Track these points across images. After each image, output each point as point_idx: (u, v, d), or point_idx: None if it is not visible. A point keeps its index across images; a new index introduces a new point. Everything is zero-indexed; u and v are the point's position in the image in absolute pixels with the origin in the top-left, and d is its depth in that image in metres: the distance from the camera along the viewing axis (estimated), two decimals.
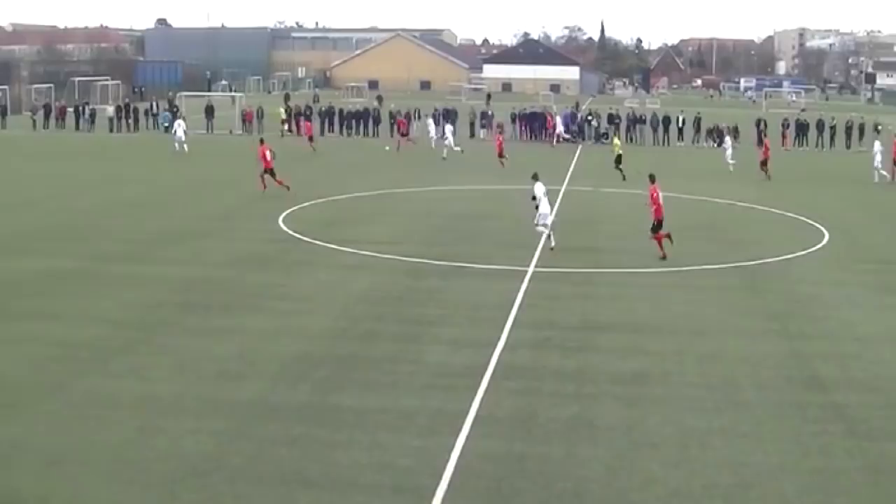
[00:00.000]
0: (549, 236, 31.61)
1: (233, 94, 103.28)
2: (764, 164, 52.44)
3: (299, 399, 17.85)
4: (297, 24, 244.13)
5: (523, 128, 77.45)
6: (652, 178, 31.45)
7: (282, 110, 79.11)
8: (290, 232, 34.34)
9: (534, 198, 32.02)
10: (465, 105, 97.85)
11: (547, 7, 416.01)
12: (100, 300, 25.03)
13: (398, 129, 67.93)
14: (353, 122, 78.83)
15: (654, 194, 30.87)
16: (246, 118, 77.66)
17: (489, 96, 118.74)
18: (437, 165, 56.39)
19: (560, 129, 72.70)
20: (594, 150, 69.36)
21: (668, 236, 30.94)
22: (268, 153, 43.18)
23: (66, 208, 39.93)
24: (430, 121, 71.58)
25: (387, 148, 64.09)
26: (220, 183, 48.34)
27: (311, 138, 62.93)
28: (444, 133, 63.11)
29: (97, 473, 14.60)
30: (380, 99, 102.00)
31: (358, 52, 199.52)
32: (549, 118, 76.12)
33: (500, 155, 54.79)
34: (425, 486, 14.31)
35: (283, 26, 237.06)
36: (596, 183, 48.90)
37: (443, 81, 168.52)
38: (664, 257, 30.56)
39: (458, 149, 60.05)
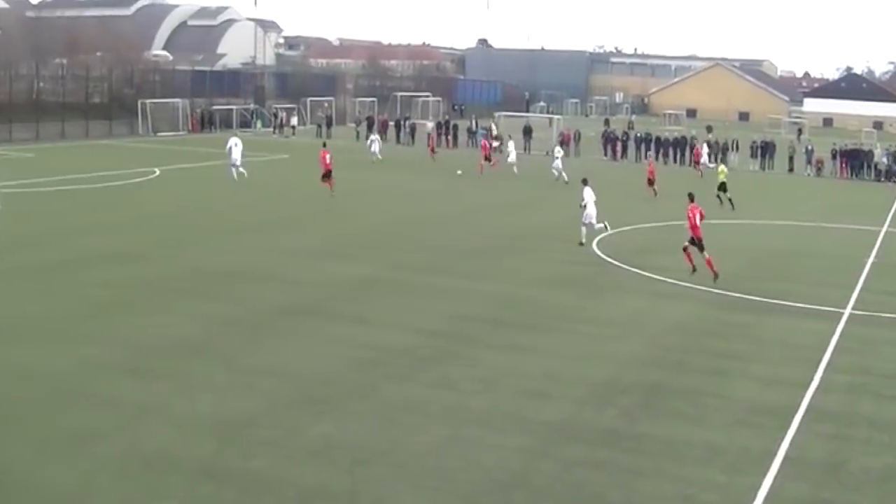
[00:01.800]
0: (603, 226, 36.75)
1: (550, 115, 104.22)
2: None
3: (605, 424, 17.81)
4: (615, 49, 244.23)
5: (843, 164, 74.73)
6: (691, 198, 32.38)
7: (493, 126, 79.68)
8: (603, 256, 34.34)
9: (582, 200, 36.36)
10: (785, 139, 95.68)
11: (871, 41, 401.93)
12: (411, 309, 25.77)
13: (482, 150, 64.78)
14: (670, 149, 78.06)
15: (692, 214, 31.25)
16: (563, 140, 77.67)
17: (800, 131, 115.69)
18: (748, 201, 55.11)
19: (704, 158, 69.04)
20: None
21: (715, 275, 30.45)
22: (327, 156, 46.83)
23: (380, 218, 41.28)
24: (511, 143, 66.86)
25: (459, 172, 59.48)
26: (535, 202, 48.85)
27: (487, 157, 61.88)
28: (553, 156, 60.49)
29: (403, 477, 14.97)
30: (709, 129, 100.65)
31: (676, 79, 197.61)
32: (696, 148, 71.11)
33: (651, 183, 53.23)
34: None
35: (601, 51, 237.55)
36: None
37: (762, 113, 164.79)
38: (694, 270, 31.12)
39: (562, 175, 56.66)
